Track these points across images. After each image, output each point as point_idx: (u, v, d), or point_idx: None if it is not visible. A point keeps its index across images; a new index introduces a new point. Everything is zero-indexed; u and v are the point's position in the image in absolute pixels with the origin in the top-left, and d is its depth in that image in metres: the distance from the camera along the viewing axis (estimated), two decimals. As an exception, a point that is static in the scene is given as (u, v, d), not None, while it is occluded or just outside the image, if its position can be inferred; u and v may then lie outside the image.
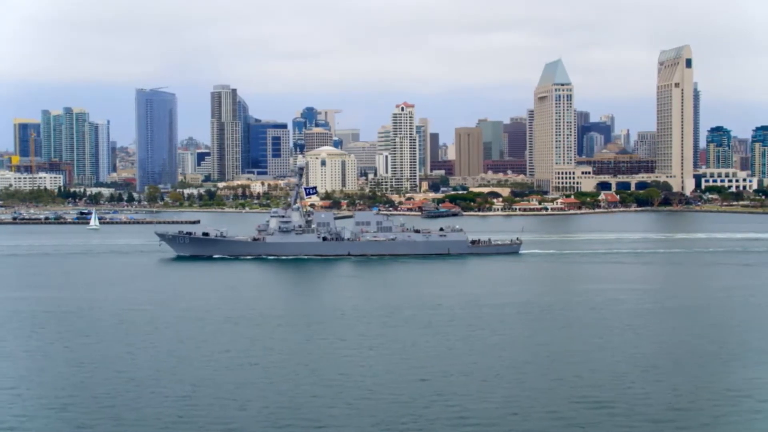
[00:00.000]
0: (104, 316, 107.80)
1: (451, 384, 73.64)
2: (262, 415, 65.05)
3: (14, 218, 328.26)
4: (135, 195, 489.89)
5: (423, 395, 70.19)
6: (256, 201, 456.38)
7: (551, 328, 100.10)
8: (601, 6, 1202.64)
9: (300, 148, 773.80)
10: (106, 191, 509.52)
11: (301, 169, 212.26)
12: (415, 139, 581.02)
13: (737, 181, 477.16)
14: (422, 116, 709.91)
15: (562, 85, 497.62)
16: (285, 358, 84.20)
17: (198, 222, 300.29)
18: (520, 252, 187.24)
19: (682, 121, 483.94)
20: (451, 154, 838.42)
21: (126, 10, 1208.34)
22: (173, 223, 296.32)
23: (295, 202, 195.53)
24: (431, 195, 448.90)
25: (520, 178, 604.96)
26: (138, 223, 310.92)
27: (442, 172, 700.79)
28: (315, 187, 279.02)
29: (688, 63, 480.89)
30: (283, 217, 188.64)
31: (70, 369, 79.46)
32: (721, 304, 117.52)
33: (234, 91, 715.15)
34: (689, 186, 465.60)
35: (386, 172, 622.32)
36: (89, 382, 74.33)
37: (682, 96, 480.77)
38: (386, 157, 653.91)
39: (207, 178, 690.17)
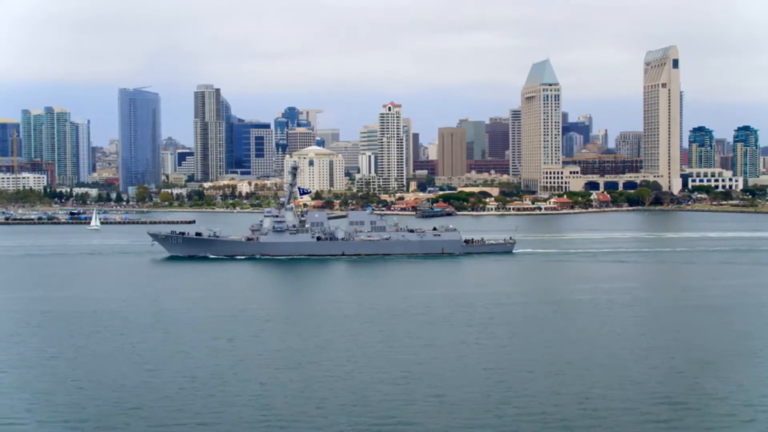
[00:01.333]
0: (140, 316, 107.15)
1: (519, 381, 73.85)
2: (341, 414, 64.76)
3: (7, 218, 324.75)
4: (123, 195, 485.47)
5: (495, 392, 70.41)
6: (245, 201, 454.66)
7: (593, 325, 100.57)
8: (577, 8, 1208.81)
9: (282, 148, 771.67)
10: (93, 191, 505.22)
11: (295, 168, 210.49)
12: (402, 139, 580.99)
13: (723, 180, 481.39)
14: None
15: (550, 85, 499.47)
16: (341, 356, 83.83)
17: (194, 222, 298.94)
18: (514, 251, 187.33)
19: (669, 121, 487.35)
20: (432, 154, 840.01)
21: (103, 10, 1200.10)
22: (169, 223, 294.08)
23: (289, 202, 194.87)
24: (423, 195, 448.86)
25: (505, 177, 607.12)
26: (133, 223, 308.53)
27: (425, 172, 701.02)
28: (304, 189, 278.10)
29: (675, 63, 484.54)
30: (277, 216, 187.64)
31: (129, 369, 78.67)
32: (750, 302, 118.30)
33: (218, 90, 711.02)
34: (676, 186, 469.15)
35: (369, 172, 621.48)
36: (155, 383, 73.64)
37: (669, 96, 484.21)
38: (369, 156, 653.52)
39: (191, 178, 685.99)
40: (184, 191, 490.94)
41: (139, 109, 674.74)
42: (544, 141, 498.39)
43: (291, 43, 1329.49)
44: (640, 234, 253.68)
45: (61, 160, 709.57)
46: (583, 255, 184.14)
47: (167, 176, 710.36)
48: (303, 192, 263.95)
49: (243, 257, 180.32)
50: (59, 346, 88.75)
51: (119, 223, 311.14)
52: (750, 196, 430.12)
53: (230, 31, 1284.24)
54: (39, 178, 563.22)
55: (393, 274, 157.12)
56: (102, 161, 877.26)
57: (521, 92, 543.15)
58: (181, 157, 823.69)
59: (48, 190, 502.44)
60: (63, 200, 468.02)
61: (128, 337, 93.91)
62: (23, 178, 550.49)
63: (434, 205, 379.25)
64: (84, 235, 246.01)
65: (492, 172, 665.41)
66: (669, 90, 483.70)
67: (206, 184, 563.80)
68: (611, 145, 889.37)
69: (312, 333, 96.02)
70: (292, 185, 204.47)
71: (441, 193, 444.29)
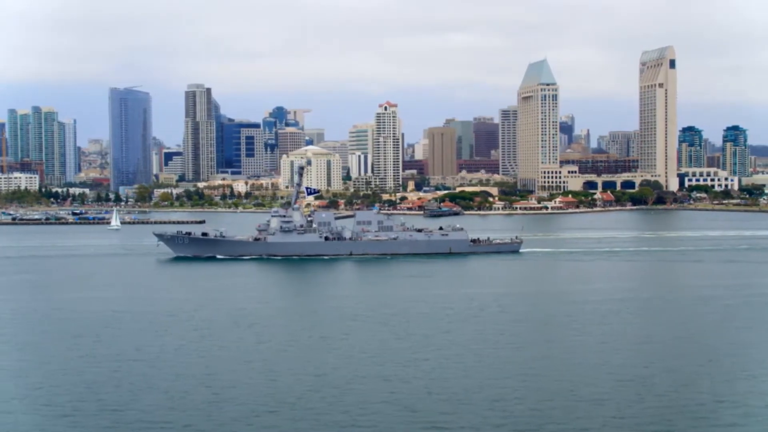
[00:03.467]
0: (216, 316, 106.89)
1: (644, 376, 74.26)
2: (488, 410, 64.80)
3: (13, 219, 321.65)
4: (121, 196, 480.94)
5: (626, 387, 70.84)
6: (245, 200, 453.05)
7: (679, 321, 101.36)
8: (555, 9, 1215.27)
9: (271, 147, 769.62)
10: (88, 191, 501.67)
11: (302, 168, 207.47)
12: (398, 139, 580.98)
13: (719, 180, 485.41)
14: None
15: (548, 85, 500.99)
16: (448, 353, 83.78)
17: (203, 222, 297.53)
18: (521, 251, 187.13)
19: (666, 122, 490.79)
20: (418, 154, 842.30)
21: (87, 10, 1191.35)
22: (178, 223, 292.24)
23: (295, 202, 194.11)
24: (426, 195, 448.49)
25: (499, 177, 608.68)
26: (144, 223, 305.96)
27: (414, 171, 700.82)
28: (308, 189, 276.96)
29: (672, 64, 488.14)
30: (284, 216, 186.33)
31: (244, 369, 78.20)
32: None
33: (209, 90, 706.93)
34: (673, 185, 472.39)
35: (359, 171, 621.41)
36: (283, 383, 73.30)
37: (666, 96, 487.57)
38: (360, 156, 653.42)
39: (181, 178, 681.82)
40: (179, 191, 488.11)
41: (130, 108, 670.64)
42: (542, 140, 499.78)
43: (273, 43, 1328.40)
44: (655, 233, 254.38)
45: (49, 159, 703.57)
46: (608, 254, 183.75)
47: (156, 176, 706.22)
48: (310, 192, 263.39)
49: (250, 257, 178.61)
50: (156, 347, 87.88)
51: (128, 223, 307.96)
52: (747, 195, 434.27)
53: (211, 30, 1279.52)
54: (31, 178, 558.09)
55: (428, 273, 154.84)
56: (83, 161, 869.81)
57: (517, 92, 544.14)
58: (168, 157, 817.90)
59: (44, 190, 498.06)
60: (59, 200, 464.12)
61: (220, 337, 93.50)
62: (15, 178, 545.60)
63: (441, 204, 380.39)
64: (106, 235, 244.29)
65: (482, 171, 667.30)
66: (666, 90, 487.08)
67: (201, 184, 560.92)
68: (593, 144, 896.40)
69: (403, 330, 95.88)
70: (298, 185, 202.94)
71: (442, 192, 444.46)
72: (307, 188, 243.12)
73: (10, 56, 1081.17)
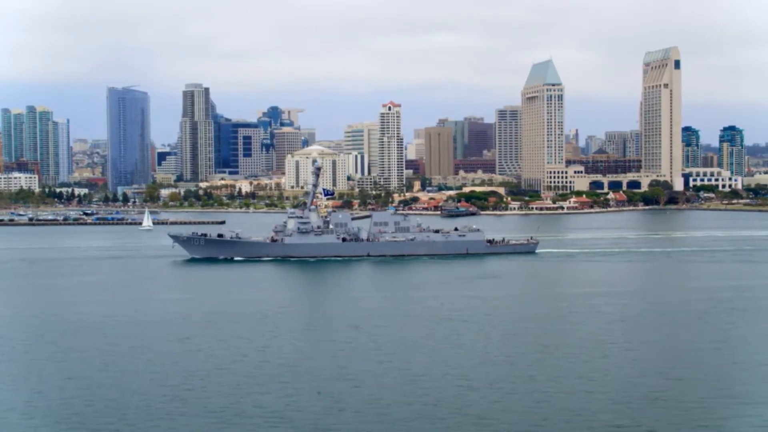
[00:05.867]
0: (309, 317, 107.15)
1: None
2: (655, 407, 65.49)
3: (30, 219, 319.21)
4: (122, 196, 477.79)
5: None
6: (253, 200, 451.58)
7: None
8: (539, 9, 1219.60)
9: (266, 147, 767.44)
10: (96, 192, 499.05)
11: (319, 169, 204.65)
12: (402, 139, 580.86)
13: (723, 180, 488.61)
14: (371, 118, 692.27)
15: (554, 85, 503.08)
16: (574, 352, 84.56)
17: (224, 222, 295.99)
18: (537, 251, 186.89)
19: (671, 122, 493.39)
20: (411, 154, 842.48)
21: (75, 9, 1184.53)
22: (197, 223, 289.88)
23: (312, 203, 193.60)
24: (437, 195, 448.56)
25: (499, 177, 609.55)
26: (163, 223, 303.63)
27: (410, 171, 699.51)
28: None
29: (677, 64, 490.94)
30: (301, 217, 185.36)
31: (376, 370, 78.46)
32: None
33: (207, 90, 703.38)
34: (678, 185, 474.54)
35: (355, 172, 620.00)
36: (430, 384, 73.49)
37: (671, 96, 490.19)
38: (356, 156, 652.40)
39: (179, 178, 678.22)
40: (180, 191, 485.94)
41: (128, 108, 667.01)
42: (548, 141, 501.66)
43: (262, 42, 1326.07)
44: (685, 233, 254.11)
45: (44, 159, 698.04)
46: (648, 255, 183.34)
47: (153, 176, 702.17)
48: (327, 193, 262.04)
49: (267, 259, 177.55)
50: (275, 348, 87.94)
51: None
52: (753, 195, 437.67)
53: (200, 30, 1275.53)
54: (30, 178, 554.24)
55: (494, 274, 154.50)
56: (72, 161, 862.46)
57: (521, 92, 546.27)
58: (161, 157, 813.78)
59: (47, 190, 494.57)
60: (63, 200, 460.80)
61: (332, 337, 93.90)
62: (15, 178, 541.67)
63: (458, 204, 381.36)
64: (139, 235, 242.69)
65: (480, 171, 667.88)
66: (671, 90, 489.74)
67: (202, 184, 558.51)
68: (581, 144, 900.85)
69: (508, 331, 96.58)
70: (314, 186, 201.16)
71: (452, 193, 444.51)
72: (323, 189, 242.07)
73: (5, 56, 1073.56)
